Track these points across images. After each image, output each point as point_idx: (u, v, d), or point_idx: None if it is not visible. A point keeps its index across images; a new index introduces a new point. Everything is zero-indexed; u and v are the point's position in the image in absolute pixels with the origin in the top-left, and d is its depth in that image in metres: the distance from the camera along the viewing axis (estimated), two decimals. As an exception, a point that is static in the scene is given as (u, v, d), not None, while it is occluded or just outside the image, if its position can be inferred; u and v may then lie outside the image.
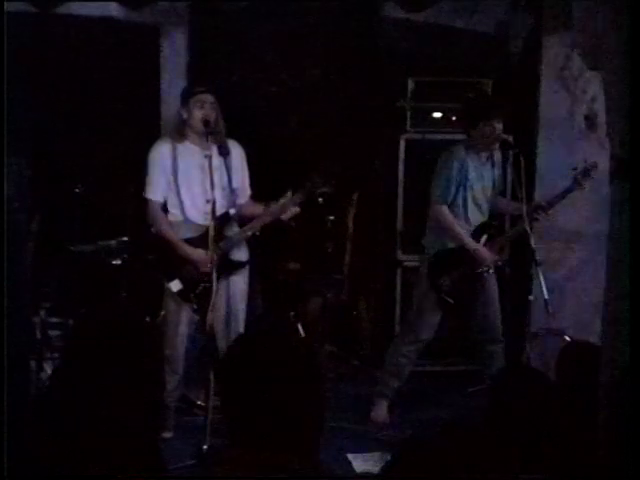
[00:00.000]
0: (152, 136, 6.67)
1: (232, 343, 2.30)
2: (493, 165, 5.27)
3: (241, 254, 4.92)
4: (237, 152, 4.90)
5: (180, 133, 4.84)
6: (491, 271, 5.22)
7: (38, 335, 5.16)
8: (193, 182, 4.80)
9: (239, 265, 4.89)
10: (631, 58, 2.01)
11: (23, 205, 4.49)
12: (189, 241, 4.80)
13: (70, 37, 6.30)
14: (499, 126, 5.07)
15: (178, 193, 4.81)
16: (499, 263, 5.30)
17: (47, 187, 5.48)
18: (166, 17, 6.49)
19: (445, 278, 5.18)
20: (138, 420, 2.23)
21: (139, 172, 6.51)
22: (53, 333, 5.42)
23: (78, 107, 6.42)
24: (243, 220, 4.92)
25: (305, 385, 2.08)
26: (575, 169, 5.12)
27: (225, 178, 4.71)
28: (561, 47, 5.69)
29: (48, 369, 5.04)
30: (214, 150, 4.73)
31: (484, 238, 5.24)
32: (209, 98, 4.77)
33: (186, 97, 4.82)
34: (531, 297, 5.62)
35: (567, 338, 5.53)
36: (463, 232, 5.14)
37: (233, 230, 4.86)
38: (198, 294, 4.77)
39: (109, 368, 2.24)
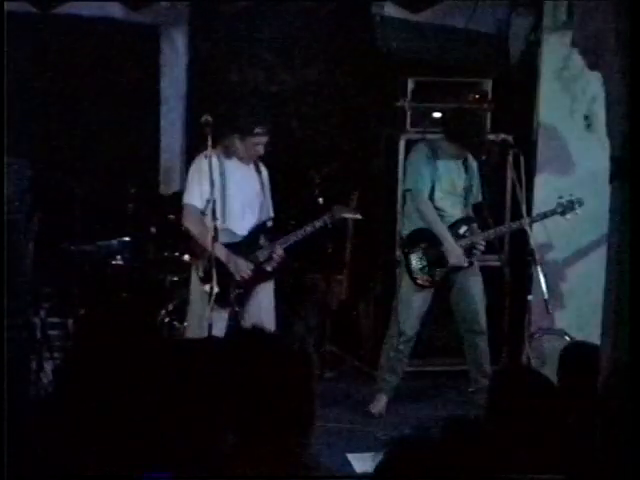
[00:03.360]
0: (152, 136, 6.70)
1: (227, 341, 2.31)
2: (466, 167, 5.43)
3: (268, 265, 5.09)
4: (265, 172, 5.13)
5: (227, 154, 4.97)
6: (465, 264, 5.32)
7: (38, 335, 5.16)
8: (238, 194, 4.98)
9: (270, 275, 5.09)
10: (631, 58, 2.01)
11: (23, 205, 4.51)
12: (225, 246, 4.93)
13: (70, 37, 6.31)
14: (465, 151, 5.34)
15: (224, 202, 4.92)
16: (465, 264, 5.32)
17: (47, 187, 5.48)
18: (166, 17, 6.50)
19: (418, 253, 5.33)
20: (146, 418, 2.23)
21: (139, 172, 6.53)
22: (53, 333, 5.41)
23: (78, 107, 6.42)
24: None
25: (294, 381, 2.10)
26: (561, 197, 5.32)
27: (261, 193, 5.05)
28: (561, 47, 5.68)
29: (48, 369, 5.04)
30: (251, 167, 5.03)
31: (463, 230, 5.38)
32: (265, 140, 4.92)
33: (246, 133, 4.89)
34: (530, 297, 5.62)
35: (567, 338, 5.54)
36: (442, 225, 5.31)
37: (265, 242, 5.07)
38: (234, 299, 4.92)
39: (119, 368, 2.24)
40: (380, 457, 1.74)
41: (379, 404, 5.46)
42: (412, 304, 5.36)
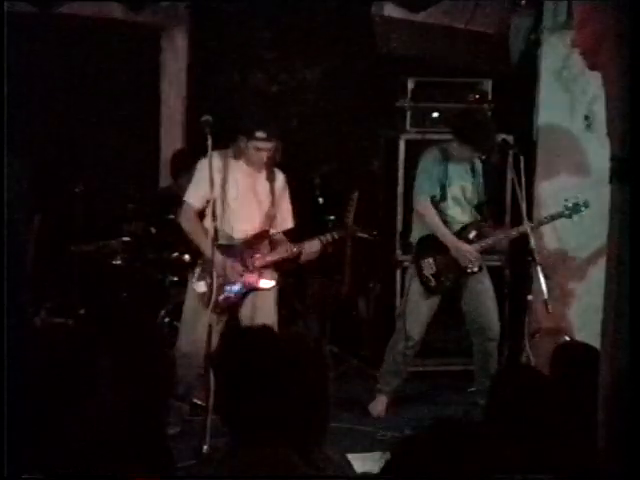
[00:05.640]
0: (152, 136, 6.70)
1: (228, 337, 2.31)
2: (474, 171, 5.39)
3: (268, 275, 5.02)
4: (281, 181, 5.04)
5: (236, 154, 4.91)
6: (475, 269, 5.30)
7: (38, 335, 5.16)
8: (239, 197, 4.91)
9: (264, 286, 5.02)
10: (631, 58, 2.01)
11: (23, 205, 4.51)
12: (220, 247, 4.82)
13: (70, 37, 6.31)
14: (476, 154, 5.27)
15: (224, 204, 4.86)
16: (476, 268, 5.30)
17: (47, 187, 5.48)
18: (166, 17, 6.50)
19: (428, 260, 5.29)
20: (147, 419, 2.23)
21: (139, 172, 6.52)
22: (53, 333, 5.41)
23: (78, 107, 6.42)
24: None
25: (311, 381, 2.09)
26: (567, 200, 5.28)
27: (268, 202, 4.95)
28: (561, 47, 5.69)
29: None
30: (263, 174, 4.94)
31: (473, 234, 5.33)
32: (269, 146, 4.82)
33: (248, 136, 4.82)
34: (530, 297, 5.62)
35: (567, 338, 5.54)
36: (444, 228, 5.27)
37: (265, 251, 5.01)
38: (221, 301, 4.86)
39: (120, 367, 2.24)
40: (383, 457, 1.74)
41: (379, 405, 5.48)
42: (420, 310, 5.34)
